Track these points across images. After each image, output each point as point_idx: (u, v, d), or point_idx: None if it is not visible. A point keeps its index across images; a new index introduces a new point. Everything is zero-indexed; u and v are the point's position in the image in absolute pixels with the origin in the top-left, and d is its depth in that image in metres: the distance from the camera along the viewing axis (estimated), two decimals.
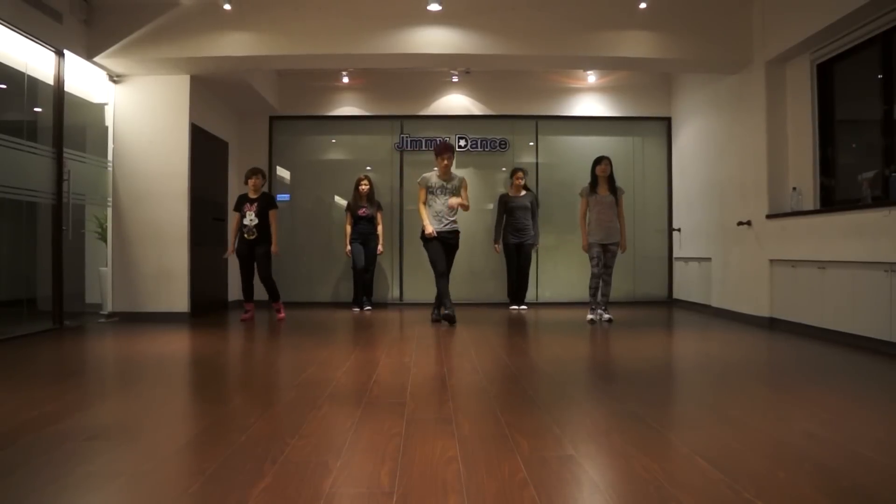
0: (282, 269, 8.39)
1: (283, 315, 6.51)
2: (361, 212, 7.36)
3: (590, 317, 6.18)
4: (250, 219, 6.29)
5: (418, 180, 6.12)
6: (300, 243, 8.53)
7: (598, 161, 6.20)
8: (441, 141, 6.25)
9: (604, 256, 6.11)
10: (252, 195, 6.38)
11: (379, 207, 7.56)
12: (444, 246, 5.96)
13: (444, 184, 6.01)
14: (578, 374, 3.74)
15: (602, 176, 6.14)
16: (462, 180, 6.09)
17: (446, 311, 5.91)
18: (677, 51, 6.14)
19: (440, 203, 5.96)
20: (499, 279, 8.20)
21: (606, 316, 6.12)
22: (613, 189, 6.16)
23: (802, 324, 5.32)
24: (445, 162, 5.96)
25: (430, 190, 6.00)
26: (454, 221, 6.03)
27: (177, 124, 6.50)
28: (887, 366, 3.91)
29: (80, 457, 2.13)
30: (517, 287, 7.62)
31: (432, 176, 6.04)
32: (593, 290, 6.15)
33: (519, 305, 7.63)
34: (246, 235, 6.31)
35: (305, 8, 5.99)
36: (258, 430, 2.42)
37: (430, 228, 5.88)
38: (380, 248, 7.51)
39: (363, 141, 8.71)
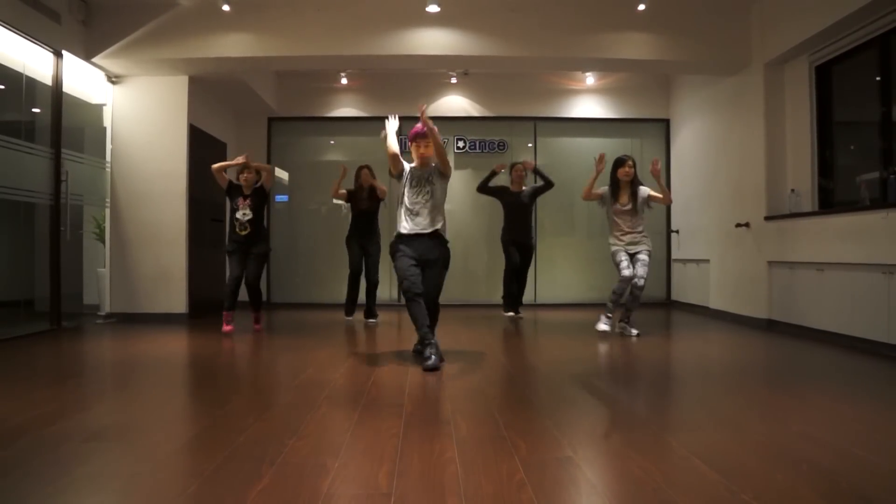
0: (280, 270, 8.40)
1: (259, 326, 5.89)
2: (362, 205, 6.58)
3: (604, 327, 5.42)
4: (243, 213, 5.78)
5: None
6: (298, 245, 8.52)
7: (621, 163, 5.30)
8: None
9: (633, 266, 5.17)
10: (245, 191, 5.85)
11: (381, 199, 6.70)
12: (418, 260, 4.12)
13: (420, 174, 4.30)
14: (576, 376, 3.73)
15: (625, 180, 5.27)
16: (435, 164, 4.34)
17: (425, 354, 3.88)
18: (676, 52, 6.15)
19: (417, 200, 4.25)
20: (496, 280, 8.20)
21: (633, 331, 5.24)
22: (635, 193, 5.27)
23: (800, 325, 5.32)
24: (423, 150, 4.29)
25: (406, 181, 4.32)
26: (436, 225, 4.22)
27: (175, 125, 6.50)
28: (885, 367, 3.91)
29: (79, 458, 2.12)
30: (516, 291, 6.77)
31: (408, 164, 4.41)
32: (617, 295, 5.29)
33: (515, 312, 6.78)
34: (238, 230, 5.76)
35: (304, 9, 5.99)
36: (256, 432, 2.42)
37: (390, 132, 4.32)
38: (383, 189, 6.50)
39: (361, 142, 8.70)
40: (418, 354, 4.10)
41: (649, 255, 5.25)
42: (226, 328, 5.61)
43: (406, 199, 4.30)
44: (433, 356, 3.80)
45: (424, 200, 4.25)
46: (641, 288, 5.18)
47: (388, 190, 6.73)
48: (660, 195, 5.32)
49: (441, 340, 4.11)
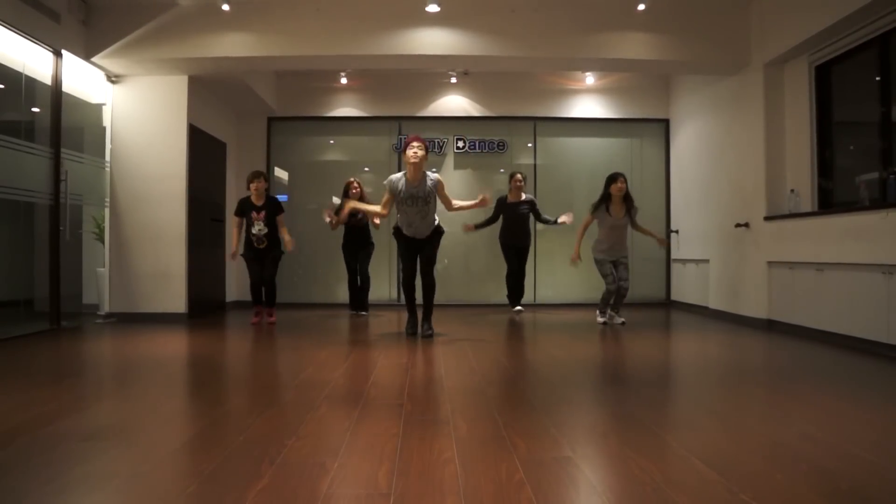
0: (280, 269, 8.36)
1: (274, 319, 6.27)
2: (352, 220, 6.73)
3: (601, 319, 6.02)
4: (259, 228, 5.99)
5: (385, 182, 5.11)
6: (298, 244, 8.49)
7: (614, 178, 5.77)
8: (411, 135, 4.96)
9: (616, 270, 5.85)
10: (256, 201, 6.04)
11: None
12: (414, 246, 5.12)
13: (415, 191, 4.86)
14: (576, 376, 3.74)
15: (618, 195, 5.76)
16: (437, 183, 4.92)
17: (423, 329, 5.14)
18: (676, 52, 6.15)
19: (414, 214, 4.95)
20: (497, 280, 8.20)
21: (619, 320, 5.94)
22: (629, 208, 5.83)
23: (800, 326, 5.32)
24: (416, 150, 4.77)
25: (398, 198, 4.95)
26: (431, 230, 5.10)
27: (175, 125, 6.49)
28: (885, 367, 3.91)
29: (78, 457, 2.12)
30: (515, 288, 7.33)
31: (400, 180, 4.91)
32: (605, 300, 5.96)
33: (517, 305, 7.33)
34: (256, 245, 6.05)
35: (304, 9, 5.99)
36: (256, 431, 2.42)
37: (376, 215, 5.28)
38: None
39: (361, 142, 8.71)
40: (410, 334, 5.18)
41: (626, 259, 6.01)
42: (254, 320, 6.18)
43: (403, 212, 4.98)
44: (409, 326, 5.22)
45: (421, 216, 4.95)
46: (627, 288, 5.94)
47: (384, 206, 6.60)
48: (647, 230, 6.17)
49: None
